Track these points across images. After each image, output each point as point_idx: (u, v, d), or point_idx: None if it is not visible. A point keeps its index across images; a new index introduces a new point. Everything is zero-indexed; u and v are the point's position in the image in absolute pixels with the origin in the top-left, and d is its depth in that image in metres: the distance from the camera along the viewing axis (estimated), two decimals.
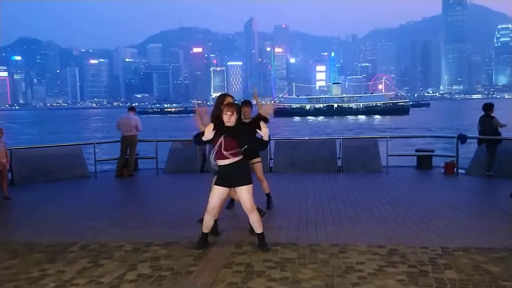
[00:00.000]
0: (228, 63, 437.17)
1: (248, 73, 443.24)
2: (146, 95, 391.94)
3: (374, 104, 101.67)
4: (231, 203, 7.02)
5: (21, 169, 10.33)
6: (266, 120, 5.68)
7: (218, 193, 5.11)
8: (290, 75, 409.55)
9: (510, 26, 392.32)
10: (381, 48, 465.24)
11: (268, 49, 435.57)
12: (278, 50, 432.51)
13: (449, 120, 71.46)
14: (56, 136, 53.92)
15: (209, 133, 4.96)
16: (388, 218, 6.40)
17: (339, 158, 11.17)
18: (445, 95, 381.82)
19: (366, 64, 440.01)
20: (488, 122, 9.72)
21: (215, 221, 5.55)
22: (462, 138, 10.38)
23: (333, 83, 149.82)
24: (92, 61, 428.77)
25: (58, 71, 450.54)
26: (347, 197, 7.98)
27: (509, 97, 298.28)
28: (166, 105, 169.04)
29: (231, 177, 5.03)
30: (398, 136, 17.06)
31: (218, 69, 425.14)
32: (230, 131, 4.95)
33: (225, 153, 4.95)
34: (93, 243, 5.47)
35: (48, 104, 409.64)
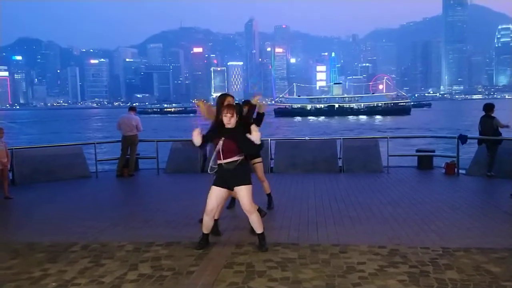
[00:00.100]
0: (228, 63, 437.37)
1: (248, 73, 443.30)
2: (147, 95, 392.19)
3: (375, 105, 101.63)
4: (232, 203, 7.02)
5: (22, 169, 10.33)
6: (259, 123, 5.92)
7: (215, 194, 5.09)
8: (290, 75, 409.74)
9: (511, 27, 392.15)
10: (382, 48, 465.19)
11: (269, 49, 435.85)
12: (278, 50, 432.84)
13: (449, 120, 71.43)
14: (57, 136, 53.95)
15: (197, 139, 4.99)
16: (389, 218, 6.40)
17: (340, 158, 11.17)
18: (445, 95, 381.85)
19: (367, 64, 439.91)
20: (488, 122, 9.72)
21: (216, 221, 5.56)
22: (463, 139, 10.38)
23: (334, 83, 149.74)
24: (92, 61, 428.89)
25: (58, 71, 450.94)
26: (348, 197, 7.99)
27: (510, 97, 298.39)
28: (165, 105, 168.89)
29: (229, 177, 5.02)
30: (398, 136, 17.04)
31: (219, 69, 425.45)
32: (230, 133, 4.96)
33: (224, 154, 4.96)
34: (94, 243, 5.47)
35: (49, 104, 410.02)
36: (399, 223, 6.16)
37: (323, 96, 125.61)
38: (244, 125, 5.13)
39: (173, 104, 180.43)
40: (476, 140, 10.29)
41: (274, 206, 7.17)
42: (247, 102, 6.74)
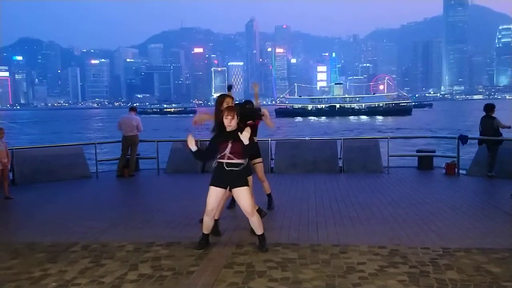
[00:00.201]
0: (229, 63, 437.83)
1: (249, 73, 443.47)
2: (147, 95, 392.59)
3: (376, 105, 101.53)
4: (232, 203, 7.01)
5: (22, 169, 10.34)
6: (259, 117, 6.07)
7: (215, 194, 5.09)
8: (291, 76, 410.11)
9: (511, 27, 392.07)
10: (382, 48, 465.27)
11: (269, 49, 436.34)
12: (279, 50, 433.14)
13: (450, 120, 71.41)
14: (58, 136, 54.01)
15: (192, 146, 5.10)
16: (389, 219, 6.40)
17: (340, 158, 11.17)
18: (446, 95, 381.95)
19: (367, 64, 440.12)
20: (489, 122, 9.72)
21: (216, 221, 5.56)
22: (463, 139, 10.37)
23: (335, 84, 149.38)
24: (93, 61, 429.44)
25: (59, 71, 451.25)
26: (348, 197, 7.99)
27: (510, 97, 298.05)
28: (165, 105, 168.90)
29: (229, 178, 5.03)
30: (399, 136, 17.07)
31: (219, 69, 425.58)
32: (235, 136, 4.96)
33: (231, 155, 4.98)
34: (94, 243, 5.47)
35: (50, 104, 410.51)
36: (399, 223, 6.16)
37: (324, 97, 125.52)
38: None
39: (173, 104, 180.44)
40: (477, 141, 10.29)
41: (274, 206, 7.17)
42: (248, 103, 6.74)
